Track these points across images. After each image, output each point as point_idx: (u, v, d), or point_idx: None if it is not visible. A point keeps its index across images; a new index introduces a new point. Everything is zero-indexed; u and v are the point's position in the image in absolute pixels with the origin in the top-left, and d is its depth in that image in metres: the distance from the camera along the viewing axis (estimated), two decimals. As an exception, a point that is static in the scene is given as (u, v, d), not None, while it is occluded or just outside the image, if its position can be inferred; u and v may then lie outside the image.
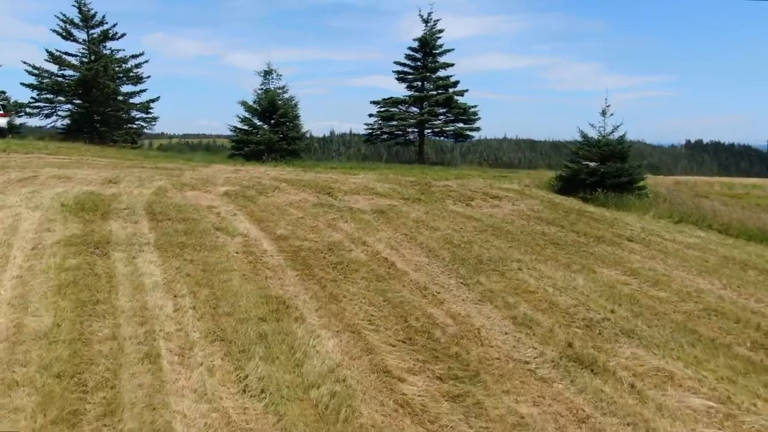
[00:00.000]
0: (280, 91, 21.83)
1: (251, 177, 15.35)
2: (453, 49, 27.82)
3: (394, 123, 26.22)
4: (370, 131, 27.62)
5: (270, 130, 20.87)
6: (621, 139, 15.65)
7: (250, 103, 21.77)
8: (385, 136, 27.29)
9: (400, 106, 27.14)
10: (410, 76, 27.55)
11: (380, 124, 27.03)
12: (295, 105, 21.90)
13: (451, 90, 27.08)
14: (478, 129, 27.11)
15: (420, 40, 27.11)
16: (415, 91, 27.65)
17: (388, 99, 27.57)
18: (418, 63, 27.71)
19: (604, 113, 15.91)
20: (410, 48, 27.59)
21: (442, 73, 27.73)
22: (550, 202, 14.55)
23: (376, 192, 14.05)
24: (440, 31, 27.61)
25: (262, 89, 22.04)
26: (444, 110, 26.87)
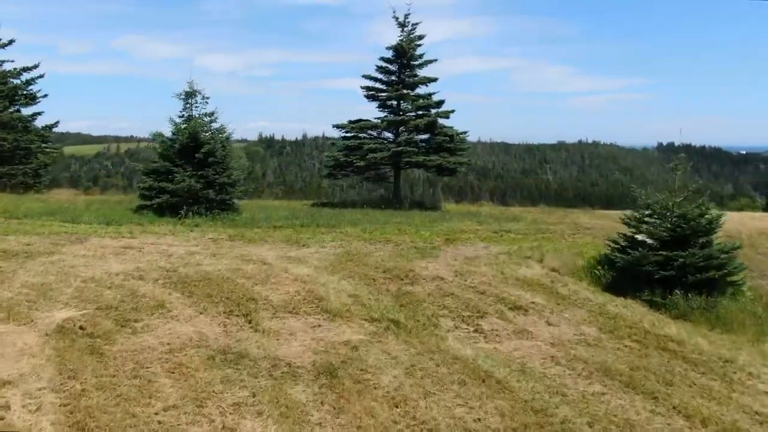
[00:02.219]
0: (207, 119, 16.22)
1: (136, 269, 9.84)
2: (436, 60, 22.51)
3: (363, 154, 20.68)
4: (332, 163, 22.08)
5: (191, 174, 15.26)
6: (703, 205, 10.43)
7: (167, 134, 16.12)
8: (350, 170, 21.73)
9: (370, 131, 21.66)
10: (383, 94, 22.16)
11: (346, 153, 21.49)
12: (227, 138, 16.28)
13: (434, 111, 21.68)
14: (468, 162, 21.69)
15: (395, 48, 21.75)
16: (389, 113, 22.21)
17: (354, 122, 22.16)
18: (393, 77, 22.31)
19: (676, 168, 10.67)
20: (383, 58, 22.26)
21: (422, 89, 22.40)
22: (604, 316, 9.35)
23: (326, 309, 8.68)
24: (420, 37, 22.34)
25: (183, 116, 16.40)
26: (425, 136, 21.44)
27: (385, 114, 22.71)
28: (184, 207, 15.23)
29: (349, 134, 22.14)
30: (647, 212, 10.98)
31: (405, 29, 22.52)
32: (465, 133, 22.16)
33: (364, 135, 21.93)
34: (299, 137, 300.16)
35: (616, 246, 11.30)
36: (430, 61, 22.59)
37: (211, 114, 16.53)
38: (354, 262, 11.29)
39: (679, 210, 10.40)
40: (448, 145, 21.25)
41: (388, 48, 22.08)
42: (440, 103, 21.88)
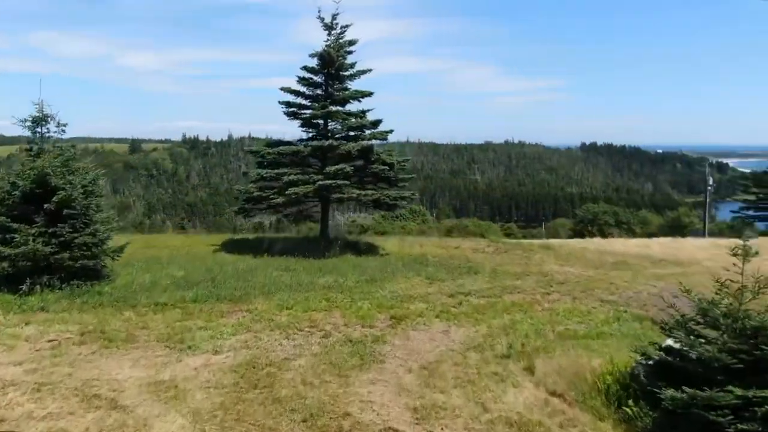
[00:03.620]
0: (59, 151, 11.88)
1: None
2: (371, 70, 18.81)
3: (283, 188, 16.70)
4: (246, 195, 17.99)
5: (38, 233, 10.95)
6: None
7: (11, 177, 11.71)
8: (266, 208, 17.69)
9: (292, 157, 17.68)
10: (306, 111, 18.23)
11: (261, 186, 17.44)
12: (94, 180, 12.00)
13: (368, 132, 17.97)
14: (412, 197, 18.05)
15: (320, 56, 17.92)
16: (315, 134, 18.36)
17: (272, 145, 18.21)
18: (319, 91, 18.46)
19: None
20: (306, 68, 18.27)
21: (354, 106, 18.64)
22: None
23: None
24: (351, 42, 18.52)
25: (32, 149, 11.99)
26: (360, 162, 17.67)
27: (311, 134, 18.84)
28: (28, 279, 10.94)
29: (266, 158, 18.08)
30: (701, 319, 7.54)
31: (333, 32, 18.73)
32: (406, 160, 18.54)
33: (285, 160, 17.92)
34: (225, 138, 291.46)
35: (650, 363, 7.83)
36: (364, 72, 18.92)
37: (72, 144, 12.19)
38: (258, 394, 7.42)
39: (755, 321, 7.00)
40: (387, 174, 17.57)
41: (312, 55, 18.20)
42: (377, 123, 18.21)
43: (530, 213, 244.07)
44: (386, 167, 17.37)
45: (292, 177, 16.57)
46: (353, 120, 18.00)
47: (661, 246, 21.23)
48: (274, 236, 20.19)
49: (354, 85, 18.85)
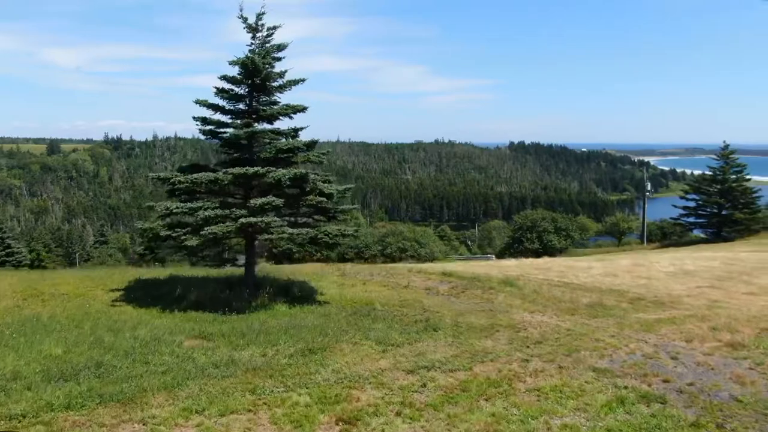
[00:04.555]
0: None
1: None
2: (304, 80, 15.93)
3: (197, 227, 13.56)
4: (152, 234, 14.74)
5: None
6: None
7: None
8: (177, 249, 14.50)
9: (210, 186, 14.55)
10: (227, 130, 15.14)
11: (169, 224, 14.26)
12: None
13: (301, 155, 15.09)
14: (354, 234, 15.12)
15: (243, 63, 14.83)
16: (238, 157, 15.30)
17: (186, 170, 15.03)
18: (242, 105, 15.43)
19: None
20: (225, 78, 15.21)
21: (284, 123, 15.74)
22: None
23: None
24: (280, 47, 15.58)
25: None
26: (294, 191, 14.76)
27: (233, 156, 15.76)
28: None
29: (178, 187, 14.86)
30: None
31: (258, 35, 15.72)
32: (347, 190, 15.72)
33: (201, 189, 14.78)
34: (149, 138, 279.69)
35: None
36: (296, 82, 15.96)
37: None
38: None
39: None
40: (325, 205, 14.71)
41: (232, 63, 15.08)
42: (311, 144, 15.28)
43: (461, 212, 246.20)
44: (324, 198, 14.51)
45: (208, 213, 13.47)
46: (283, 141, 15.04)
47: (630, 275, 19.29)
48: (191, 275, 16.97)
49: (284, 98, 15.93)
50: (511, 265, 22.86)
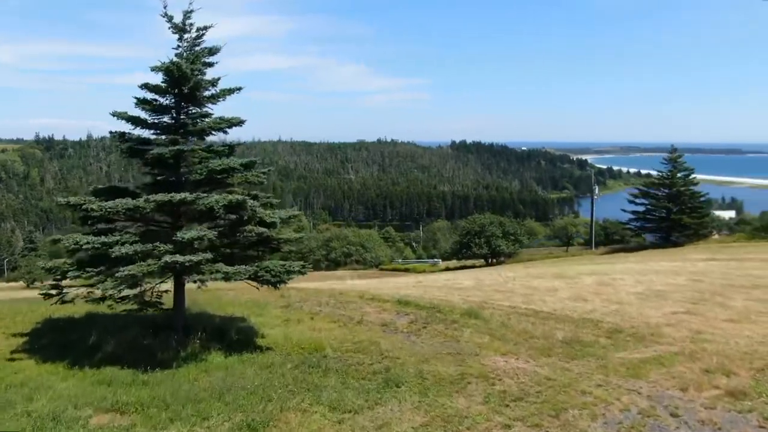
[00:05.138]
0: None
1: None
2: (240, 89, 13.84)
3: (112, 265, 11.30)
4: (59, 271, 12.34)
5: None
6: None
7: None
8: (73, 293, 12.16)
9: (131, 214, 12.25)
10: (150, 148, 12.87)
11: (82, 258, 11.94)
12: None
13: (239, 175, 13.01)
14: (301, 271, 12.98)
15: (168, 69, 12.63)
16: (165, 179, 13.10)
17: (101, 194, 12.75)
18: (167, 119, 13.24)
19: None
20: (147, 86, 12.97)
21: (219, 137, 13.59)
22: None
23: None
24: (211, 51, 13.45)
25: None
26: (232, 218, 12.64)
27: (156, 176, 13.52)
28: None
29: (91, 214, 12.48)
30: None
31: (186, 37, 13.52)
32: (293, 217, 13.71)
33: (120, 218, 12.49)
34: (83, 137, 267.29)
35: None
36: (231, 91, 13.83)
37: None
38: None
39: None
40: (266, 235, 12.64)
41: (154, 69, 12.83)
42: (250, 164, 13.16)
43: (405, 212, 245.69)
44: (265, 229, 12.44)
45: (126, 249, 11.22)
46: (217, 161, 12.88)
47: (599, 297, 17.93)
48: (112, 313, 14.58)
49: (218, 110, 13.76)
50: (470, 287, 21.24)
